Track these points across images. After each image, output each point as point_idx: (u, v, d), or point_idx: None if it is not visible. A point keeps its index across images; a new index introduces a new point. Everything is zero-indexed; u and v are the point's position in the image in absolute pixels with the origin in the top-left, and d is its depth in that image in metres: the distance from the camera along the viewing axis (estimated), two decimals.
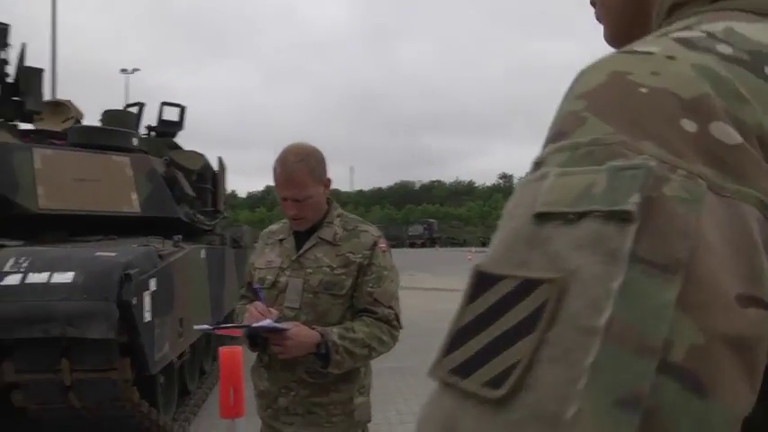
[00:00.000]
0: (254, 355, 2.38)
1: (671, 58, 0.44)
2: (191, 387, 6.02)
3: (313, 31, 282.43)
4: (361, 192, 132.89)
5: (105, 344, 3.66)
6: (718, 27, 0.47)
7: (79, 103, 7.99)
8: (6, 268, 3.70)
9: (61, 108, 7.67)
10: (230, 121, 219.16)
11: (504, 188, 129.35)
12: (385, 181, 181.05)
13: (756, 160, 0.40)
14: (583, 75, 0.47)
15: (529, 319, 0.37)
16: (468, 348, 0.39)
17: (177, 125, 8.64)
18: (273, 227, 2.50)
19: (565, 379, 0.34)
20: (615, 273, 0.36)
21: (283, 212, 2.31)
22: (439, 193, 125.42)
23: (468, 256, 39.86)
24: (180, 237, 5.39)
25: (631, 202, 0.37)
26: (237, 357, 3.26)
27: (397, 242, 68.85)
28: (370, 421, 2.36)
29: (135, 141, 6.55)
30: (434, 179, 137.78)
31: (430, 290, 17.76)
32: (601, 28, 0.69)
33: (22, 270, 3.67)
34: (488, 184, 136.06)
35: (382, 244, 2.33)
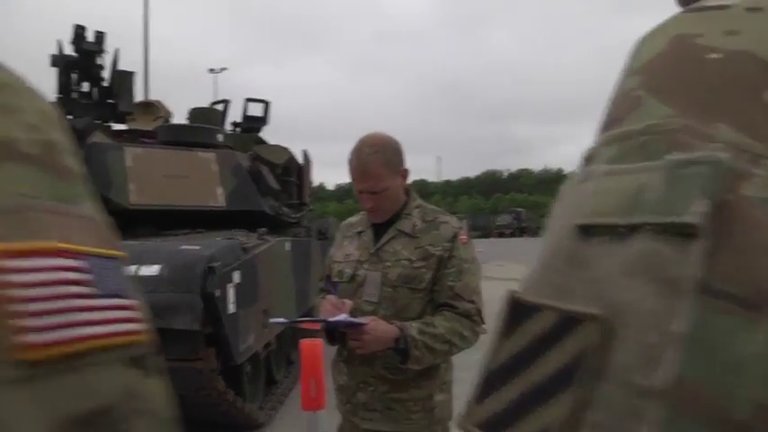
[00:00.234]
0: (335, 348, 2.34)
1: (755, 10, 0.32)
2: (277, 377, 6.11)
3: (398, 22, 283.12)
4: (448, 182, 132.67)
5: (191, 334, 3.75)
6: None
7: (169, 103, 8.27)
8: None
9: (151, 108, 7.96)
10: (319, 114, 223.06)
11: None
12: (472, 170, 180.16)
13: None
14: (641, 43, 0.36)
15: (568, 367, 0.27)
16: (500, 398, 0.30)
17: (261, 120, 8.79)
18: (352, 219, 2.45)
19: None
20: (677, 310, 0.25)
21: (361, 205, 2.26)
22: (527, 182, 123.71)
23: None
24: (265, 229, 5.46)
25: (696, 212, 0.26)
26: (318, 350, 3.24)
27: (484, 232, 68.47)
28: (451, 419, 2.27)
29: (220, 137, 6.71)
30: (522, 167, 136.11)
31: (519, 280, 17.48)
32: None
33: None
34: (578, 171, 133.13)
35: (463, 235, 2.23)
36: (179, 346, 3.78)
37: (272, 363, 5.85)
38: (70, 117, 6.14)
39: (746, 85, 0.30)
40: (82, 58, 6.50)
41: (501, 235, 66.49)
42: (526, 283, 0.33)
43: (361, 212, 2.37)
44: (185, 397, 4.12)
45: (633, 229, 0.28)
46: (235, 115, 8.84)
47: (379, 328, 2.04)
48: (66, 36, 6.46)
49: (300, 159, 8.60)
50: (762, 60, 0.30)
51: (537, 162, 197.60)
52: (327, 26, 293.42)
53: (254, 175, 6.42)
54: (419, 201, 2.33)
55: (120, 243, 0.42)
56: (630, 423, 0.25)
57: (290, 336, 6.65)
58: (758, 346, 0.24)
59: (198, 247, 4.03)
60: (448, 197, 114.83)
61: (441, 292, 2.15)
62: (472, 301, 2.16)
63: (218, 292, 3.78)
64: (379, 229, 2.26)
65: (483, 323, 2.21)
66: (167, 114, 8.02)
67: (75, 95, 6.57)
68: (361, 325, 2.03)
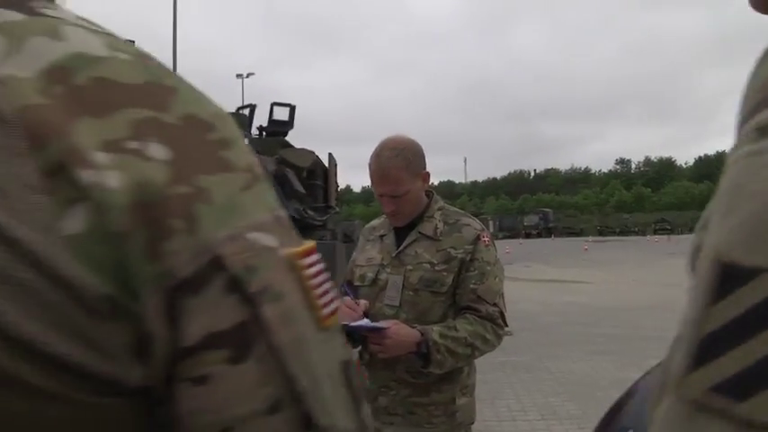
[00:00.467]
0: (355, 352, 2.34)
1: None
2: None
3: (423, 23, 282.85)
4: (475, 183, 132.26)
5: None
6: None
7: None
8: None
9: None
10: (344, 117, 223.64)
11: (622, 174, 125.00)
12: (499, 171, 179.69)
13: None
14: None
15: None
16: (733, 361, 0.30)
17: (287, 124, 8.84)
18: (374, 222, 2.44)
19: None
20: None
21: (382, 209, 2.26)
22: (554, 182, 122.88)
23: (584, 246, 38.83)
24: None
25: None
26: None
27: (512, 233, 68.16)
28: (473, 422, 2.26)
29: (245, 142, 6.75)
30: (549, 167, 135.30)
31: (546, 281, 17.35)
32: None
33: None
34: (605, 170, 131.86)
35: (485, 238, 2.22)
36: None
37: None
38: None
39: None
40: None
41: (528, 236, 66.16)
42: (732, 249, 0.32)
43: (384, 216, 2.37)
44: None
45: None
46: (261, 119, 8.89)
47: (400, 332, 2.03)
48: None
49: (326, 162, 8.64)
50: None
51: (564, 161, 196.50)
52: (353, 28, 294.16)
53: (279, 179, 6.46)
54: (441, 203, 2.32)
55: None
56: None
57: None
58: None
59: None
60: (475, 198, 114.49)
61: (463, 295, 2.14)
62: (495, 304, 2.15)
63: None
64: (401, 233, 2.26)
65: (506, 326, 2.20)
66: None
67: None
68: (382, 329, 2.03)
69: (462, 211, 2.33)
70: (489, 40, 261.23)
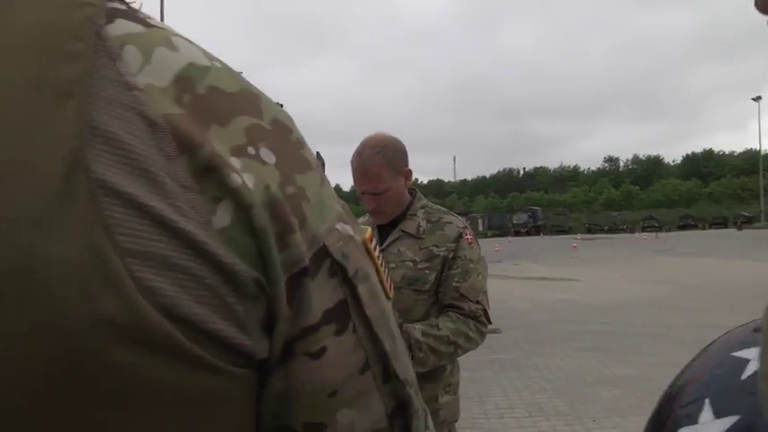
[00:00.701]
0: None
1: None
2: None
3: (414, 22, 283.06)
4: (464, 181, 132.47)
5: None
6: None
7: None
8: None
9: None
10: (334, 115, 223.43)
11: (610, 172, 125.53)
12: (489, 169, 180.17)
13: None
14: None
15: None
16: None
17: None
18: (359, 220, 2.43)
19: None
20: None
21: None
22: (543, 180, 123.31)
23: (572, 244, 38.97)
24: None
25: None
26: None
27: (501, 231, 68.34)
28: (456, 420, 2.26)
29: None
30: (538, 165, 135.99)
31: (535, 279, 17.40)
32: None
33: None
34: (593, 168, 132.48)
35: (468, 235, 2.21)
36: None
37: None
38: None
39: None
40: None
41: (517, 234, 66.34)
42: None
43: (367, 213, 2.36)
44: None
45: None
46: None
47: None
48: None
49: None
50: None
51: (553, 160, 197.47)
52: (343, 27, 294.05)
53: None
54: (424, 201, 2.31)
55: None
56: None
57: None
58: None
59: None
60: (464, 196, 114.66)
61: (446, 293, 2.14)
62: (478, 302, 2.14)
63: None
64: (384, 231, 2.25)
65: (489, 323, 2.19)
66: None
67: None
68: None
69: (445, 209, 2.33)
70: (480, 39, 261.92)
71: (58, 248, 0.39)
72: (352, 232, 0.53)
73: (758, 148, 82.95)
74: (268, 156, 0.48)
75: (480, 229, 67.15)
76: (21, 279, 0.38)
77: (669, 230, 64.08)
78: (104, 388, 0.40)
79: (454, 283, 2.13)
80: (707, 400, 0.46)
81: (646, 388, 5.79)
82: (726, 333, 0.53)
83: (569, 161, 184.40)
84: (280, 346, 0.48)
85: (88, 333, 0.39)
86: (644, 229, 64.95)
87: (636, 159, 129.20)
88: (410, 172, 2.24)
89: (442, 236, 2.18)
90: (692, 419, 0.46)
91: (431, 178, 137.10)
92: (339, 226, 0.52)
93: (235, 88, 0.49)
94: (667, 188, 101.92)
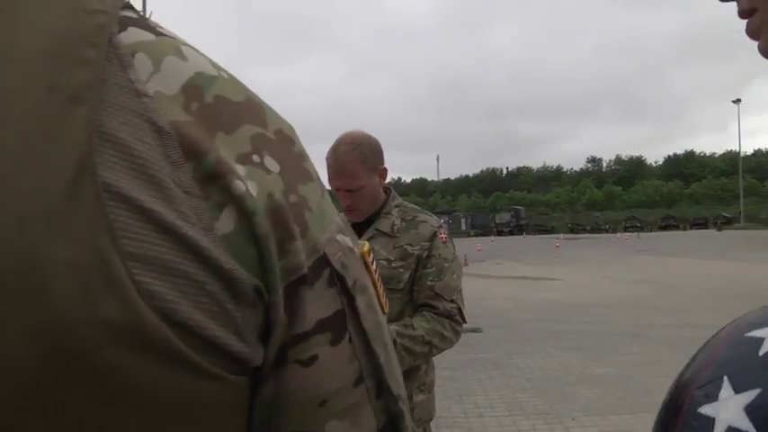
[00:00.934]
0: None
1: None
2: None
3: (398, 21, 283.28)
4: (448, 180, 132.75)
5: None
6: None
7: None
8: None
9: None
10: (319, 113, 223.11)
11: (593, 172, 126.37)
12: (472, 169, 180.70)
13: None
14: None
15: None
16: None
17: None
18: None
19: None
20: None
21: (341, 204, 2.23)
22: (526, 180, 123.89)
23: (555, 244, 39.16)
24: None
25: None
26: None
27: (484, 230, 68.58)
28: (431, 419, 2.24)
29: None
30: (521, 165, 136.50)
31: (517, 278, 17.45)
32: None
33: None
34: (576, 168, 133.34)
35: (443, 234, 2.20)
36: None
37: None
38: None
39: None
40: None
41: (500, 233, 66.59)
42: None
43: (342, 212, 2.34)
44: None
45: None
46: None
47: None
48: None
49: None
50: None
51: (536, 160, 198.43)
52: (327, 26, 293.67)
53: None
54: (399, 200, 2.29)
55: None
56: None
57: None
58: None
59: None
60: (447, 195, 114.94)
61: (420, 292, 2.12)
62: (453, 301, 2.13)
63: None
64: (358, 229, 2.22)
65: (464, 322, 2.18)
66: None
67: None
68: None
69: (419, 208, 2.31)
70: (464, 39, 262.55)
71: (61, 249, 0.39)
72: (351, 244, 0.54)
73: (738, 150, 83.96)
74: (272, 164, 0.48)
75: (463, 228, 67.45)
76: (21, 279, 0.39)
77: (651, 231, 64.69)
78: (102, 389, 0.41)
79: (429, 282, 2.11)
80: (725, 378, 0.46)
81: (626, 387, 5.83)
82: (731, 321, 0.53)
83: (552, 161, 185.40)
84: (274, 353, 0.48)
85: (87, 334, 0.39)
86: (626, 230, 65.50)
87: (618, 160, 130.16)
88: (385, 170, 2.22)
89: (416, 234, 2.16)
90: (712, 398, 0.46)
91: (414, 177, 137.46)
92: (339, 237, 0.53)
93: (241, 98, 0.50)
94: (649, 189, 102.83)
